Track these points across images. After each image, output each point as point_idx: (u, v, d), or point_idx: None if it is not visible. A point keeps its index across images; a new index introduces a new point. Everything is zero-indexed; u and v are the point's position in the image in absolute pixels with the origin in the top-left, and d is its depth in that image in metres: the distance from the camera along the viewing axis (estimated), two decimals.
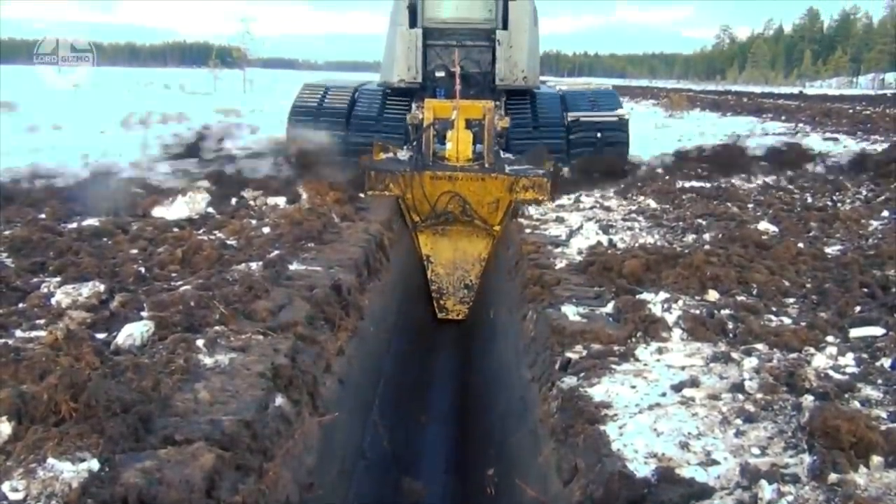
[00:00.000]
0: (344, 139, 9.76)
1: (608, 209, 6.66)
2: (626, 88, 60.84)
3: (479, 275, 7.62)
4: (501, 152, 8.66)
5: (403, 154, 8.76)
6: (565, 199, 7.24)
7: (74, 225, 5.25)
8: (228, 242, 4.93)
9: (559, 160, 9.03)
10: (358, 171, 7.93)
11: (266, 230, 5.28)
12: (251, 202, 6.37)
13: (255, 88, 41.21)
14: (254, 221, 5.59)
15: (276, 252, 4.67)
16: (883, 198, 7.14)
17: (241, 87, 40.77)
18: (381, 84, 10.75)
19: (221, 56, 52.58)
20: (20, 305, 3.46)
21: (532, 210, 6.73)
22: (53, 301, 3.47)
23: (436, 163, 7.88)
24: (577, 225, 5.83)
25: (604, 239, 5.27)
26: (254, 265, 4.31)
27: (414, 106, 9.34)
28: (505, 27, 10.05)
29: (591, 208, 6.74)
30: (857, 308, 3.78)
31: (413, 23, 9.95)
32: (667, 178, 8.10)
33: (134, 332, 3.02)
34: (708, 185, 7.80)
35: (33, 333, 3.07)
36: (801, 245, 5.04)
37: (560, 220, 6.16)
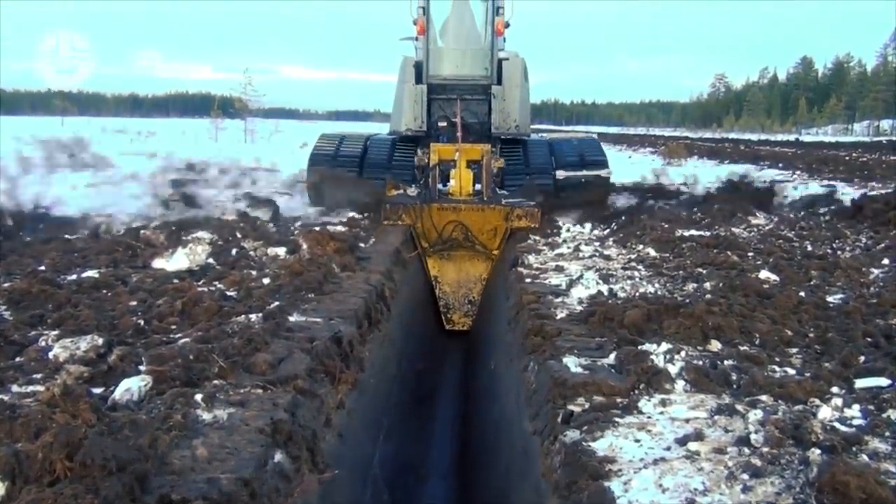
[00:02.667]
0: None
1: (608, 258, 6.66)
2: (623, 137, 61.54)
3: (481, 292, 8.66)
4: (497, 189, 9.66)
5: (412, 191, 9.84)
6: (564, 248, 7.28)
7: (74, 277, 5.24)
8: (228, 294, 4.92)
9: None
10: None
11: (266, 281, 5.27)
12: (251, 252, 6.37)
13: (257, 139, 41.57)
14: (254, 272, 5.58)
15: (276, 304, 4.65)
16: (883, 245, 7.15)
17: (241, 138, 41.14)
18: (391, 133, 11.97)
19: (223, 106, 53.15)
20: (17, 359, 3.44)
21: (532, 258, 6.74)
22: (51, 355, 3.44)
23: (441, 197, 9.06)
24: (577, 274, 5.82)
25: (604, 288, 5.26)
26: (253, 317, 4.28)
27: (420, 151, 10.39)
28: (499, 82, 11.27)
29: (591, 257, 6.75)
30: (862, 358, 3.75)
31: (419, 79, 11.17)
32: (666, 226, 8.12)
33: (132, 387, 2.98)
34: (707, 233, 7.81)
35: (30, 388, 3.04)
36: (802, 294, 5.02)
37: (560, 269, 6.16)
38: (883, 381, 3.41)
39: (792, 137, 67.72)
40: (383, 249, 7.28)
